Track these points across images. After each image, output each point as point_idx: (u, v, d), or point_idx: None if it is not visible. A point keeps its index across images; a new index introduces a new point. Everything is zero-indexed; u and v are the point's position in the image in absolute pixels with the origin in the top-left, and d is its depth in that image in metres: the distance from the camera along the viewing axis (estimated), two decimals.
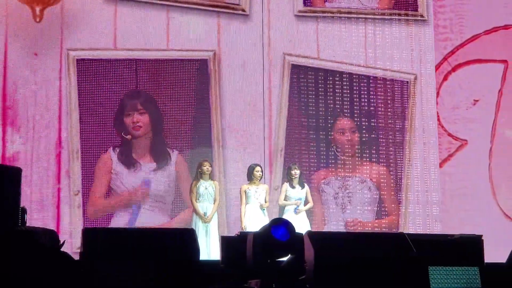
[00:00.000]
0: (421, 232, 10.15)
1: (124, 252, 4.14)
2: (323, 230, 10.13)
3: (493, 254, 5.31)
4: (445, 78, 10.82)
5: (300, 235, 4.65)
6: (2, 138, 9.92)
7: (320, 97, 10.55)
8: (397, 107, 10.68)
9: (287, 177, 9.44)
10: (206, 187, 9.14)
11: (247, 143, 10.30)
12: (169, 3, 10.34)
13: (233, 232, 6.56)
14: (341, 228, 10.26)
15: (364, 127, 10.58)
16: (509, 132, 10.72)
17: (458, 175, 10.59)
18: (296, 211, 9.20)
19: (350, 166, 10.48)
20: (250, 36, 10.44)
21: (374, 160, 10.53)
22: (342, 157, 10.47)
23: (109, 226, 9.81)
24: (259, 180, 9.23)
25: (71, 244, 9.37)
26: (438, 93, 10.81)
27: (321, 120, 10.53)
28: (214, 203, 9.15)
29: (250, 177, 9.25)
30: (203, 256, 8.49)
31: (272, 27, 10.50)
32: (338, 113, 10.54)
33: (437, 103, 10.78)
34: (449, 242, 4.92)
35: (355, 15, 10.72)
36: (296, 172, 9.32)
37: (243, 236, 4.66)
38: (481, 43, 10.86)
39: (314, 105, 10.52)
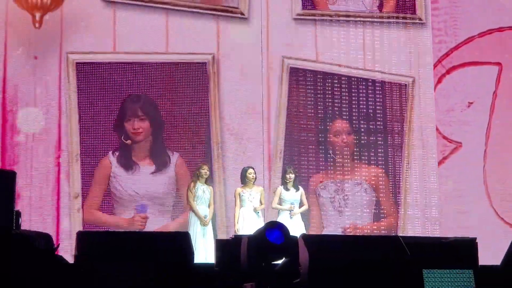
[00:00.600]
0: (420, 235, 10.16)
1: (119, 255, 4.16)
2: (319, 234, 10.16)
3: (487, 257, 5.33)
4: (439, 81, 10.84)
5: (294, 238, 4.67)
6: (2, 141, 9.95)
7: (319, 100, 10.57)
8: (395, 109, 10.69)
9: (282, 180, 9.44)
10: (204, 190, 9.18)
11: (246, 146, 10.32)
12: (168, 7, 10.36)
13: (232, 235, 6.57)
14: (339, 233, 10.26)
15: (362, 129, 10.59)
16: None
17: (452, 177, 10.61)
18: (291, 213, 9.19)
19: (348, 169, 10.49)
20: (249, 39, 10.47)
21: (373, 162, 10.54)
22: (339, 160, 10.48)
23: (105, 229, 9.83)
24: (253, 182, 9.24)
25: (71, 247, 9.38)
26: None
27: (320, 123, 10.55)
28: (209, 207, 9.17)
29: (244, 180, 9.28)
30: (201, 258, 8.52)
31: (270, 30, 10.52)
32: (334, 115, 10.56)
33: None
34: (443, 245, 4.93)
35: (353, 18, 10.75)
36: (291, 176, 9.35)
37: (237, 239, 4.68)
38: (475, 46, 10.88)
39: (313, 108, 10.54)
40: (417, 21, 10.83)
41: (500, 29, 10.98)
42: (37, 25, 9.60)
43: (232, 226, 9.56)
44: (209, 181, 9.36)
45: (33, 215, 9.82)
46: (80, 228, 9.85)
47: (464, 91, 10.79)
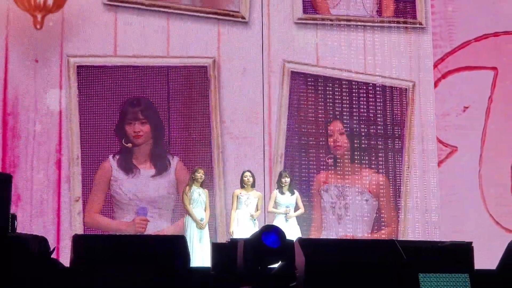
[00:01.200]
0: (421, 239, 10.15)
1: (114, 258, 4.16)
2: (320, 236, 10.17)
3: (483, 261, 5.33)
4: (435, 85, 10.86)
5: (290, 241, 4.67)
6: (3, 144, 9.96)
7: (320, 104, 10.58)
8: (396, 114, 10.70)
9: (277, 184, 9.44)
10: (199, 193, 9.17)
11: (247, 149, 10.32)
12: (169, 10, 10.38)
13: None
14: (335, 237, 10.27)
15: (363, 134, 10.60)
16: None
17: (448, 181, 10.61)
18: (286, 217, 9.18)
19: (349, 172, 10.49)
20: (249, 43, 10.48)
21: (374, 167, 10.55)
22: (339, 163, 10.48)
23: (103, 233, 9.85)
24: (251, 185, 9.24)
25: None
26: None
27: (320, 127, 10.55)
28: (205, 211, 9.17)
29: (242, 183, 9.28)
30: (198, 262, 8.52)
31: (271, 34, 10.53)
32: (331, 117, 10.57)
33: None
34: (439, 249, 4.93)
35: (354, 23, 10.76)
36: (286, 180, 9.33)
37: (233, 242, 4.68)
38: (471, 50, 10.89)
39: (313, 112, 10.55)
40: (418, 25, 10.84)
41: (495, 34, 10.99)
42: (38, 26, 9.63)
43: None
44: (204, 184, 9.34)
45: (33, 219, 9.83)
46: (81, 232, 9.87)
47: (459, 95, 10.80)
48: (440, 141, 10.75)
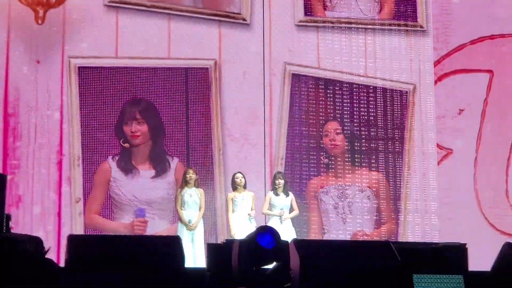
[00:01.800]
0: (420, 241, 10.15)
1: (109, 259, 4.16)
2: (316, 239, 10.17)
3: (477, 263, 5.33)
4: None
5: (285, 242, 4.68)
6: (4, 145, 9.99)
7: (321, 106, 10.59)
8: (396, 117, 10.70)
9: (272, 186, 9.43)
10: (191, 194, 9.13)
11: (248, 151, 10.33)
12: (170, 12, 10.40)
13: None
14: (347, 238, 10.27)
15: (364, 136, 10.60)
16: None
17: (443, 184, 10.62)
18: (281, 219, 9.16)
19: (349, 174, 10.49)
20: (251, 45, 10.49)
21: (374, 169, 10.55)
22: (339, 164, 10.49)
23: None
24: (243, 187, 9.23)
25: None
26: None
27: (321, 129, 10.56)
28: (200, 211, 9.14)
29: (233, 185, 9.28)
30: (189, 263, 8.51)
31: (272, 36, 10.54)
32: (328, 118, 10.58)
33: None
34: (433, 250, 4.94)
35: (355, 25, 10.77)
36: (280, 181, 9.31)
37: (229, 243, 4.69)
38: (467, 53, 10.89)
39: (314, 114, 10.56)
40: (418, 28, 10.85)
41: (491, 37, 11.00)
42: (39, 21, 9.63)
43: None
44: (203, 185, 9.30)
45: (34, 219, 9.85)
46: (82, 232, 9.89)
47: (455, 98, 10.81)
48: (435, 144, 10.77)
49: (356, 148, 10.58)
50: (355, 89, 10.68)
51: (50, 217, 9.91)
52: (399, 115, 10.71)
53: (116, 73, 10.25)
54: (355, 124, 10.62)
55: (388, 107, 10.70)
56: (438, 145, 10.74)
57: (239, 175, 9.29)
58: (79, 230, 9.93)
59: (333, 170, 10.48)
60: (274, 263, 4.74)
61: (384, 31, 10.80)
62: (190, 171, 9.23)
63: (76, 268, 3.98)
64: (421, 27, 10.83)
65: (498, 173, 10.71)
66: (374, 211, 10.47)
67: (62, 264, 4.88)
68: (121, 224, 9.97)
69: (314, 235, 10.26)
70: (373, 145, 10.62)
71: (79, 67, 10.18)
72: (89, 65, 10.23)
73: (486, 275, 4.98)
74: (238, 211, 9.13)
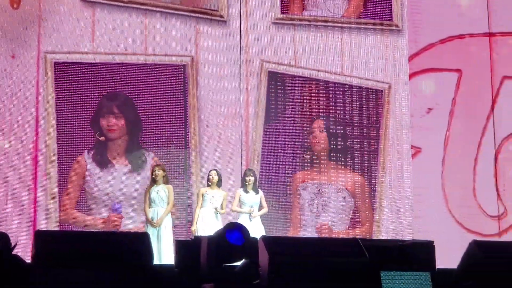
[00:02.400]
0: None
1: (77, 256, 4.15)
2: (299, 235, 10.22)
3: (445, 260, 5.39)
4: None
5: (254, 239, 4.70)
6: None
7: (297, 104, 10.62)
8: (372, 115, 10.77)
9: (242, 183, 9.42)
10: (157, 191, 9.06)
11: (224, 148, 10.34)
12: (147, 8, 10.37)
13: None
14: (315, 234, 10.32)
15: (339, 134, 10.66)
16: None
17: (412, 182, 10.70)
18: (251, 216, 9.16)
19: (326, 171, 10.54)
20: (228, 42, 10.50)
21: (349, 167, 10.61)
22: (315, 161, 10.54)
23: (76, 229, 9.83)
24: (216, 184, 9.22)
25: None
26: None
27: (297, 127, 10.59)
28: (167, 206, 9.06)
29: (207, 181, 9.28)
30: (155, 260, 8.48)
31: (249, 34, 10.56)
32: (312, 119, 10.63)
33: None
34: (401, 248, 4.98)
35: (331, 24, 10.81)
36: (250, 179, 9.27)
37: (197, 240, 4.69)
38: (436, 52, 10.99)
39: (290, 112, 10.60)
40: (394, 28, 10.92)
41: (460, 36, 11.10)
42: (15, 5, 9.55)
43: None
44: (166, 180, 9.19)
45: (9, 216, 9.80)
46: (57, 228, 9.85)
47: (424, 97, 10.90)
48: None
49: (332, 146, 10.63)
50: (331, 88, 10.73)
51: (25, 214, 9.85)
52: (374, 113, 10.77)
53: (93, 69, 10.22)
54: (331, 123, 10.66)
55: (364, 106, 10.76)
56: None
57: (213, 172, 9.28)
58: (54, 227, 9.89)
59: (312, 168, 10.52)
60: (243, 260, 4.76)
61: (360, 30, 10.86)
62: (157, 168, 9.16)
63: (42, 265, 3.96)
64: (397, 26, 10.91)
65: (466, 172, 10.82)
66: (350, 210, 10.52)
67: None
68: (97, 219, 9.94)
69: (291, 232, 10.30)
70: (349, 143, 10.67)
71: (55, 62, 10.13)
72: (65, 60, 10.18)
73: (452, 272, 5.03)
74: (206, 207, 9.10)
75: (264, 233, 8.85)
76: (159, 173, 9.08)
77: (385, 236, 10.42)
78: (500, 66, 11.09)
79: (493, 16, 11.14)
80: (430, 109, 10.90)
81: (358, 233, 10.46)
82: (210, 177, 9.22)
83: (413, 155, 10.80)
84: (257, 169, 10.24)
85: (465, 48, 11.03)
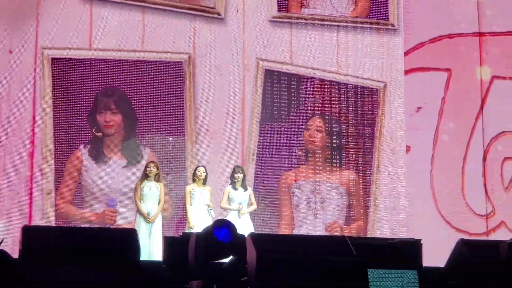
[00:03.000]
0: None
1: (65, 251, 4.16)
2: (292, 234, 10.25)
3: (433, 259, 5.41)
4: None
5: (242, 236, 4.72)
6: None
7: (293, 102, 10.64)
8: (367, 114, 10.79)
9: (230, 180, 9.39)
10: (150, 187, 9.09)
11: (221, 146, 10.36)
12: (145, 5, 10.39)
13: None
14: (312, 233, 10.34)
15: (334, 132, 10.68)
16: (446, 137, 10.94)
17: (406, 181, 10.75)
18: (239, 213, 9.14)
19: (320, 170, 10.56)
20: (225, 40, 10.52)
21: (344, 165, 10.63)
22: (311, 160, 10.56)
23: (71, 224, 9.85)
24: (203, 181, 9.23)
25: None
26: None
27: (293, 125, 10.61)
28: (159, 204, 9.11)
29: (193, 177, 9.27)
30: (145, 257, 8.50)
31: (246, 31, 10.57)
32: (307, 117, 10.65)
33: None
34: (389, 246, 5.00)
35: (328, 22, 10.83)
36: (239, 175, 9.28)
37: (186, 236, 4.71)
38: (426, 51, 11.01)
39: (286, 110, 10.61)
40: (390, 27, 10.94)
41: (450, 36, 11.12)
42: None
43: None
44: (158, 177, 9.22)
45: (4, 211, 9.82)
46: (53, 222, 9.87)
47: (413, 96, 10.92)
48: None
49: (328, 144, 10.65)
50: (327, 86, 10.74)
51: (21, 209, 9.87)
52: (370, 112, 10.79)
53: (90, 65, 10.24)
54: (327, 121, 10.68)
55: (359, 104, 10.78)
56: None
57: (201, 168, 9.28)
58: (50, 222, 9.90)
59: (307, 165, 10.54)
60: (231, 257, 4.78)
61: (357, 29, 10.87)
62: (152, 164, 9.20)
63: (29, 260, 3.98)
64: (392, 25, 10.93)
65: (454, 171, 10.85)
66: (345, 208, 10.55)
67: None
68: (92, 214, 9.96)
69: (284, 230, 10.32)
70: (344, 141, 10.69)
71: (52, 58, 10.15)
72: (62, 56, 10.20)
73: (440, 270, 5.05)
74: (195, 204, 9.10)
75: (253, 230, 8.83)
76: (154, 170, 9.11)
77: (379, 234, 10.44)
78: (490, 66, 11.12)
79: (483, 16, 11.17)
80: (419, 108, 10.93)
81: (353, 230, 10.48)
82: (198, 173, 9.22)
83: None
84: (252, 167, 10.26)
85: (454, 48, 11.06)
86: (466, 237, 9.74)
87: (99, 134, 10.13)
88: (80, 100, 10.16)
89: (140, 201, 9.04)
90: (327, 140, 10.66)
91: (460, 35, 11.12)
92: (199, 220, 8.88)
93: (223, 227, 4.58)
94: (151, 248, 8.75)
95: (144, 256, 8.50)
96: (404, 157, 10.77)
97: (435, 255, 5.54)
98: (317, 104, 10.68)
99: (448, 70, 11.02)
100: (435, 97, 10.98)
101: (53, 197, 9.94)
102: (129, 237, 4.36)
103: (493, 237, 10.42)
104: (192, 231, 8.57)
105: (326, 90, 10.74)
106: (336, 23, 10.84)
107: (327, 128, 10.65)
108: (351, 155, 10.68)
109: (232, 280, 4.63)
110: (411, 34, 11.00)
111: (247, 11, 10.59)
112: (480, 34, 11.14)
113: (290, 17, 10.77)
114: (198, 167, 9.36)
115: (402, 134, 10.79)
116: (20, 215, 9.83)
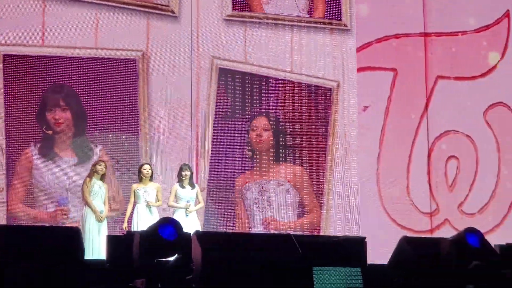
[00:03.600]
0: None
1: (8, 250, 4.11)
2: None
3: (378, 256, 5.48)
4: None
5: (188, 234, 4.72)
6: None
7: (247, 101, 10.66)
8: (320, 113, 10.87)
9: (178, 177, 9.37)
10: (100, 186, 9.08)
11: (174, 144, 10.34)
12: (98, 1, 10.31)
13: None
14: (262, 230, 10.39)
15: (288, 131, 10.73)
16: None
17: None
18: (187, 211, 9.11)
19: (274, 170, 10.61)
20: (179, 38, 10.49)
21: (298, 164, 10.69)
22: (264, 160, 10.60)
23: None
24: (149, 179, 9.19)
25: None
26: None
27: (246, 124, 10.64)
28: (105, 204, 9.05)
29: (140, 176, 9.24)
30: (95, 254, 8.47)
31: (200, 30, 10.56)
32: (254, 113, 10.69)
33: None
34: (333, 243, 5.05)
35: (281, 22, 10.88)
36: (186, 173, 9.26)
37: (129, 235, 4.69)
38: (372, 51, 11.15)
39: (240, 109, 10.63)
40: (342, 27, 11.03)
41: (396, 36, 11.28)
42: None
43: None
44: (104, 178, 9.19)
45: None
46: (5, 222, 9.74)
47: (360, 95, 11.04)
48: None
49: (281, 143, 10.70)
50: (281, 85, 10.79)
51: None
52: (323, 111, 10.87)
53: (42, 62, 10.13)
54: (281, 119, 10.73)
55: (313, 103, 10.85)
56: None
57: (146, 166, 9.25)
58: (1, 220, 9.78)
59: (257, 166, 10.57)
60: (176, 255, 4.77)
61: (310, 28, 10.94)
62: (102, 163, 9.13)
63: None
64: (345, 25, 11.02)
65: (400, 169, 11.01)
66: (296, 205, 10.60)
67: None
68: (44, 213, 9.86)
69: (239, 228, 10.35)
70: (298, 140, 10.75)
71: (4, 55, 10.03)
72: (14, 53, 10.07)
73: (383, 268, 5.12)
74: (141, 203, 9.06)
75: (200, 228, 8.85)
76: (104, 169, 9.06)
77: (332, 232, 10.52)
78: (435, 66, 11.29)
79: (428, 17, 11.33)
80: (366, 106, 11.05)
81: (306, 223, 10.55)
82: (145, 171, 9.19)
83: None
84: (206, 165, 10.25)
85: (401, 48, 11.20)
86: (411, 234, 9.90)
87: (50, 132, 10.03)
88: (33, 96, 10.04)
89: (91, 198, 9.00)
90: (281, 139, 10.70)
91: (406, 35, 11.26)
92: (141, 219, 8.84)
93: (168, 225, 4.58)
94: (101, 246, 8.67)
95: (94, 254, 8.48)
96: (357, 156, 10.87)
97: (381, 253, 5.61)
98: (271, 103, 10.72)
99: (394, 69, 11.16)
100: (382, 97, 11.10)
101: (4, 195, 9.81)
102: (73, 236, 4.33)
103: (437, 234, 10.59)
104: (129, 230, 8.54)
105: (280, 89, 10.79)
106: (289, 23, 10.89)
107: (280, 127, 10.69)
108: (304, 154, 10.74)
109: (177, 279, 4.63)
110: (357, 34, 11.10)
111: (201, 9, 10.59)
112: (426, 35, 11.31)
113: (243, 16, 10.79)
114: (143, 165, 9.33)
115: (355, 133, 10.89)
116: None
